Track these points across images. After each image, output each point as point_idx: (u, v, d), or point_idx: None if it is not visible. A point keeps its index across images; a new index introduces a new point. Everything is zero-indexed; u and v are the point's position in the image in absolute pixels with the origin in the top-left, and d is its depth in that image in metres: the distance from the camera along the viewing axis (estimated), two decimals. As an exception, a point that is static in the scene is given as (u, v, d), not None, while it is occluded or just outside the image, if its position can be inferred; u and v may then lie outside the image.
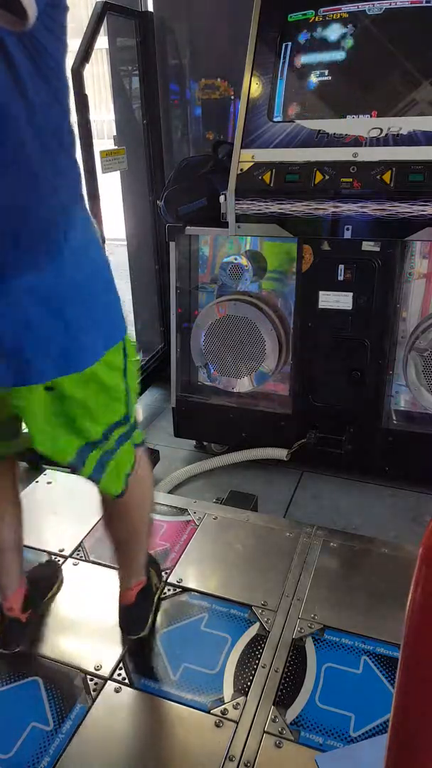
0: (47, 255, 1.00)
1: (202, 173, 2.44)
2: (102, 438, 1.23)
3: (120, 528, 1.47)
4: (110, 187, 3.00)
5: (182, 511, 2.06)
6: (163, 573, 1.78)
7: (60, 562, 1.83)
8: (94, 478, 1.27)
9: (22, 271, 0.99)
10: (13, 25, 0.78)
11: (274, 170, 2.12)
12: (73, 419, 1.17)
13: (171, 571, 1.79)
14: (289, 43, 2.18)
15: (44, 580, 1.72)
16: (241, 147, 2.18)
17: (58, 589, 1.74)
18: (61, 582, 1.76)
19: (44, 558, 1.85)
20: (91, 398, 1.16)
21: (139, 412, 3.15)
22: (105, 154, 2.57)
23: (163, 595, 1.71)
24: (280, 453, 2.51)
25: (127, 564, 1.54)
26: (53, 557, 1.86)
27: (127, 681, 1.46)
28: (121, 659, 1.51)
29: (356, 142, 2.03)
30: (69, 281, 1.04)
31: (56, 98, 0.97)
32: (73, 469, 1.25)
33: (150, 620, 1.59)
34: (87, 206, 1.13)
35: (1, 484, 1.45)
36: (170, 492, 2.44)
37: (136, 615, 1.57)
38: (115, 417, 1.24)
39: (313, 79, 2.15)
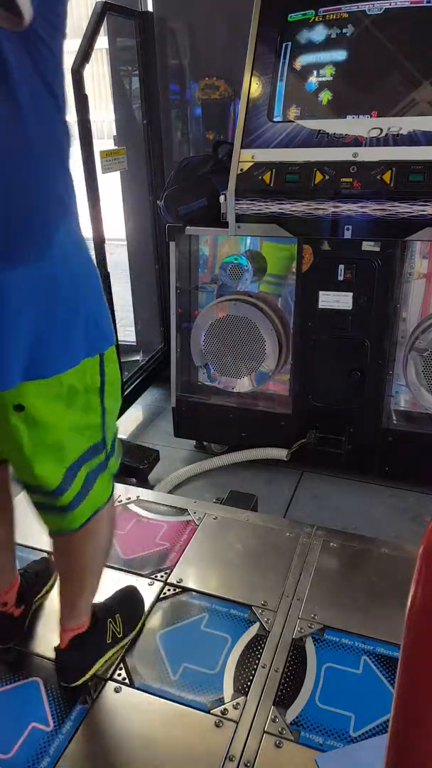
0: (33, 255, 0.96)
1: (202, 173, 2.44)
2: (62, 483, 1.15)
3: (63, 561, 1.36)
4: (110, 187, 3.00)
5: (182, 511, 2.06)
6: (162, 574, 1.77)
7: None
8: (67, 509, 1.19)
9: (6, 269, 0.95)
10: (9, 24, 0.77)
11: (274, 170, 2.12)
12: (44, 445, 1.10)
13: (171, 571, 1.79)
14: (289, 43, 2.18)
15: (38, 575, 1.70)
16: (241, 147, 2.18)
17: (52, 585, 1.73)
18: (55, 578, 1.75)
19: (37, 555, 1.84)
20: (61, 419, 1.09)
21: (140, 413, 3.16)
22: (105, 154, 2.57)
23: (163, 595, 1.71)
24: (280, 453, 2.51)
25: (64, 601, 1.41)
26: (50, 556, 1.85)
27: (127, 681, 1.46)
28: (121, 659, 1.51)
29: (356, 142, 2.03)
30: (51, 283, 1.00)
31: (53, 96, 0.94)
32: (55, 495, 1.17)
33: (89, 673, 1.43)
34: (77, 211, 1.08)
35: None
36: (170, 492, 2.44)
37: (66, 662, 1.43)
38: (86, 443, 1.16)
39: (313, 79, 2.15)
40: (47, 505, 1.21)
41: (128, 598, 1.64)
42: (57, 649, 1.44)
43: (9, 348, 0.98)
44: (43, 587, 1.70)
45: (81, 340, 1.07)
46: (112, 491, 1.29)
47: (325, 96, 2.15)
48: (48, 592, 1.71)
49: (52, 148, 0.97)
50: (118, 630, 1.52)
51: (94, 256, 2.54)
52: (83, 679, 1.43)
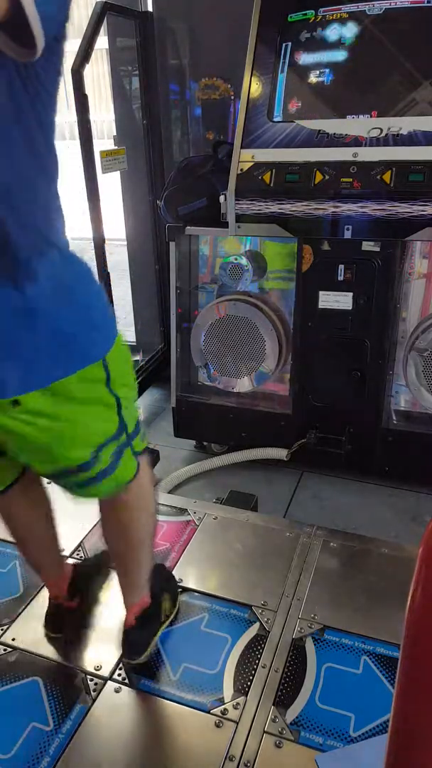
0: (26, 269, 0.98)
1: (202, 173, 2.44)
2: (90, 460, 1.17)
3: (116, 540, 1.43)
4: (110, 187, 3.00)
5: (182, 511, 2.06)
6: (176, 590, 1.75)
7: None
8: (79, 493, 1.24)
9: (4, 284, 0.97)
10: (20, 56, 0.78)
11: (274, 170, 2.12)
12: (48, 443, 1.12)
13: (171, 572, 1.79)
14: (289, 43, 2.18)
15: (94, 568, 1.74)
16: (241, 147, 2.18)
17: (106, 573, 1.75)
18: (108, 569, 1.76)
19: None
20: (68, 417, 1.10)
21: (140, 413, 3.16)
22: (105, 154, 2.57)
23: (163, 595, 1.71)
24: (280, 453, 2.51)
25: (125, 582, 1.49)
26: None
27: (127, 681, 1.47)
28: (121, 659, 1.51)
29: (356, 142, 2.03)
30: (47, 295, 1.01)
31: (42, 131, 0.96)
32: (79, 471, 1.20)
33: (151, 647, 1.52)
34: (64, 226, 1.09)
35: (30, 489, 1.44)
36: (170, 492, 2.44)
37: (133, 639, 1.50)
38: (102, 434, 1.18)
39: (313, 79, 2.15)
40: (78, 481, 1.22)
41: (167, 576, 1.71)
42: (124, 628, 1.50)
43: (4, 359, 1.00)
44: (101, 581, 1.74)
45: (81, 347, 1.08)
46: (138, 468, 1.30)
47: (325, 96, 2.15)
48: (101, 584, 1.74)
49: (39, 181, 0.99)
50: (168, 606, 1.62)
51: (94, 256, 2.55)
52: (146, 653, 1.50)
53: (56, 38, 0.90)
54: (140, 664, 1.50)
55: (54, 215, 1.04)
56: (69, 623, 1.63)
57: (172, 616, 1.63)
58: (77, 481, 1.22)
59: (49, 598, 1.62)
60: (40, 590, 1.72)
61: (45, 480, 1.47)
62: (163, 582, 1.65)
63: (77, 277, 1.09)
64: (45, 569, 1.58)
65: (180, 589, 1.73)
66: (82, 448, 1.16)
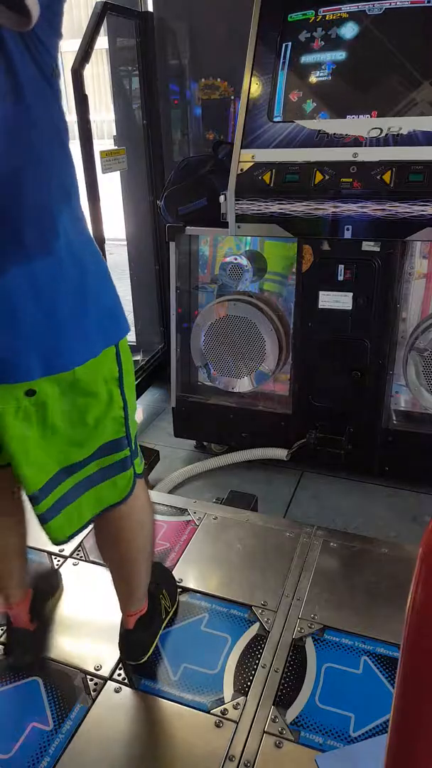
0: (42, 247, 0.97)
1: (202, 173, 2.44)
2: (84, 461, 1.14)
3: (113, 553, 1.40)
4: (110, 187, 3.00)
5: (182, 511, 2.06)
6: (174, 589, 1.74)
7: (60, 562, 1.83)
8: (45, 516, 1.13)
9: (14, 261, 0.95)
10: (16, 25, 0.77)
11: (274, 170, 2.12)
12: (52, 436, 1.08)
13: (171, 571, 1.79)
14: (289, 43, 2.18)
15: (47, 587, 1.70)
16: (241, 147, 2.18)
17: (60, 594, 1.73)
18: (62, 589, 1.75)
19: (44, 558, 1.85)
20: (78, 411, 1.08)
21: (140, 413, 3.16)
22: (105, 154, 2.57)
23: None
24: (280, 453, 2.51)
25: (123, 590, 1.46)
26: (53, 557, 1.86)
27: (127, 681, 1.46)
28: (121, 659, 1.51)
29: (356, 142, 2.03)
30: (63, 274, 1.00)
31: (50, 86, 0.96)
32: (32, 501, 1.12)
33: (153, 647, 1.52)
34: (79, 198, 1.08)
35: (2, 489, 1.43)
36: (170, 492, 2.44)
37: (133, 642, 1.49)
38: (106, 436, 1.15)
39: (313, 79, 2.16)
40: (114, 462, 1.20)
41: (164, 572, 1.71)
42: (123, 630, 1.49)
43: (26, 341, 0.98)
44: (52, 598, 1.70)
45: (96, 330, 1.07)
46: (132, 488, 1.26)
47: (325, 96, 2.15)
48: (57, 601, 1.71)
49: (55, 137, 0.99)
50: (168, 603, 1.62)
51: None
52: (147, 655, 1.50)
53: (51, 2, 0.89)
54: (140, 665, 1.50)
55: (70, 190, 1.03)
56: (68, 623, 1.63)
57: (171, 612, 1.63)
58: (117, 460, 1.19)
59: (9, 625, 1.54)
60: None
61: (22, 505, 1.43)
62: (161, 580, 1.64)
63: (90, 259, 1.07)
64: (10, 594, 1.51)
65: (180, 589, 1.73)
66: (87, 446, 1.13)
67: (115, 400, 1.14)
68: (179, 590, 1.72)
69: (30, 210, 0.95)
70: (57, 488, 1.14)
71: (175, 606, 1.65)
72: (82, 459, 1.15)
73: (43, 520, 1.14)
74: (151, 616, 1.53)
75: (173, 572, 1.78)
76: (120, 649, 1.50)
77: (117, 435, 1.17)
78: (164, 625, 1.59)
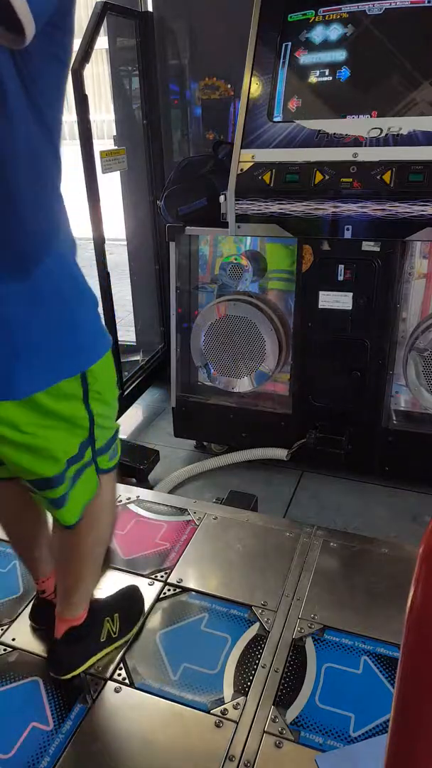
0: (20, 272, 0.97)
1: (202, 173, 2.44)
2: (59, 475, 1.16)
3: (59, 551, 1.39)
4: (110, 187, 3.00)
5: (182, 511, 2.06)
6: (162, 574, 1.77)
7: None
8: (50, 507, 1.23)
9: None
10: (8, 42, 0.74)
11: (274, 170, 2.12)
12: (15, 454, 1.11)
13: (171, 571, 1.79)
14: (289, 43, 2.18)
15: None
16: (241, 147, 2.18)
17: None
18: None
19: None
20: (37, 430, 1.09)
21: (140, 413, 3.16)
22: (105, 154, 2.57)
23: (162, 595, 1.71)
24: (280, 453, 2.51)
25: (61, 591, 1.42)
26: None
27: (127, 681, 1.46)
28: (121, 659, 1.51)
29: (356, 142, 2.03)
30: (38, 302, 1.00)
31: (45, 127, 0.93)
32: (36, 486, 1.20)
33: (81, 668, 1.44)
34: (70, 231, 1.08)
35: (18, 489, 1.44)
36: (170, 492, 2.44)
37: (59, 654, 1.44)
38: (72, 450, 1.16)
39: (313, 79, 2.16)
40: (46, 498, 1.22)
41: (128, 597, 1.64)
42: (52, 640, 1.45)
43: None
44: None
45: (60, 361, 1.07)
46: (97, 487, 1.28)
47: (325, 96, 2.15)
48: None
49: (41, 176, 0.96)
50: (114, 629, 1.52)
51: (94, 256, 2.55)
52: (72, 674, 1.43)
53: (52, 24, 0.85)
54: (141, 664, 1.50)
55: (50, 219, 1.01)
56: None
57: (119, 643, 1.53)
58: (49, 498, 1.21)
59: (36, 592, 1.60)
60: (40, 590, 1.72)
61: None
62: (120, 604, 1.59)
63: (68, 285, 1.07)
64: (36, 565, 1.56)
65: (180, 589, 1.73)
66: (51, 464, 1.14)
67: (79, 415, 1.15)
68: (179, 590, 1.72)
69: (7, 241, 0.94)
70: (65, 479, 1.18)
71: (128, 634, 1.55)
72: (59, 471, 1.17)
73: (56, 505, 1.21)
74: (84, 632, 1.45)
75: (173, 572, 1.78)
76: (47, 658, 1.47)
77: (79, 443, 1.18)
78: (104, 653, 1.50)
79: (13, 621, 1.64)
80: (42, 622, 1.58)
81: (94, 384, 1.14)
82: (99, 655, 1.49)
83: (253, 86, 2.21)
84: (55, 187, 1.01)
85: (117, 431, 1.31)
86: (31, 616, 1.62)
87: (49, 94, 0.92)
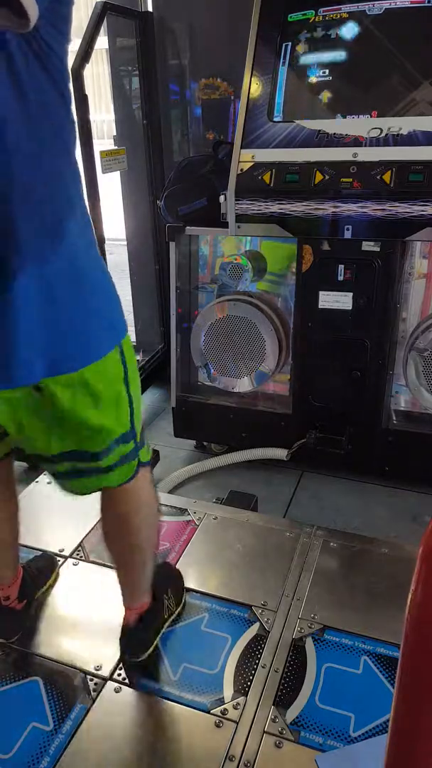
0: (46, 249, 0.98)
1: (202, 173, 2.44)
2: (109, 447, 1.17)
3: (118, 544, 1.41)
4: (110, 187, 3.00)
5: (182, 511, 2.06)
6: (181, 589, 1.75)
7: (60, 562, 1.83)
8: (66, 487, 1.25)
9: (18, 265, 0.96)
10: (14, 26, 0.77)
11: (274, 170, 2.12)
12: (66, 427, 1.12)
13: (176, 569, 1.79)
14: (289, 43, 2.18)
15: (40, 571, 1.72)
16: (241, 147, 2.18)
17: (54, 581, 1.75)
18: (57, 575, 1.76)
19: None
20: (85, 409, 1.10)
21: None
22: (105, 154, 2.57)
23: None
24: (280, 453, 2.51)
25: (126, 583, 1.48)
26: (51, 555, 1.86)
27: (127, 681, 1.46)
28: (122, 659, 1.51)
29: (356, 142, 2.03)
30: (66, 277, 1.02)
31: (61, 95, 0.95)
32: (54, 474, 1.22)
33: (153, 646, 1.53)
34: (85, 205, 1.10)
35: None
36: (170, 492, 2.44)
37: (135, 638, 1.50)
38: (116, 431, 1.17)
39: (313, 79, 2.15)
40: (86, 469, 1.22)
41: (170, 571, 1.71)
42: (124, 626, 1.49)
43: (30, 345, 1.00)
44: (45, 583, 1.72)
45: (99, 333, 1.10)
46: (137, 471, 1.29)
47: (325, 96, 2.15)
48: (50, 587, 1.73)
49: (59, 145, 0.98)
50: (172, 604, 1.62)
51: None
52: (148, 653, 1.50)
53: (56, 2, 0.88)
54: (140, 664, 1.50)
55: (74, 199, 1.04)
56: (68, 623, 1.63)
57: (176, 613, 1.63)
58: (83, 468, 1.21)
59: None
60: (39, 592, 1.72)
61: (17, 484, 1.50)
62: (167, 579, 1.65)
63: (91, 265, 1.09)
64: (2, 571, 1.55)
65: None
66: (109, 432, 1.16)
67: (122, 398, 1.17)
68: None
69: (33, 213, 0.95)
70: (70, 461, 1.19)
71: (180, 607, 1.65)
72: (101, 449, 1.18)
73: (107, 470, 1.22)
74: (154, 613, 1.53)
75: (173, 572, 1.79)
76: (120, 645, 1.50)
77: (124, 429, 1.20)
78: (167, 624, 1.59)
79: (13, 621, 1.64)
80: (11, 634, 1.56)
81: (129, 361, 1.16)
82: (162, 630, 1.57)
83: (253, 86, 2.21)
84: (72, 157, 1.03)
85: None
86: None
87: (59, 62, 0.94)
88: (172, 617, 1.61)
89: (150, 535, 1.43)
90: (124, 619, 1.50)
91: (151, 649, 1.51)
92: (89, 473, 1.22)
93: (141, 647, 1.50)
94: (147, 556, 1.45)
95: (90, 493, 1.29)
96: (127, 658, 1.50)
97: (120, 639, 1.50)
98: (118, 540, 1.41)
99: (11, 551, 1.54)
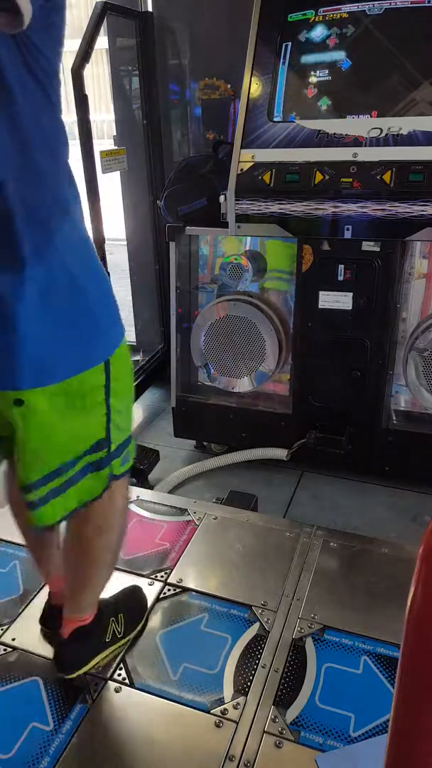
0: (35, 255, 0.97)
1: (202, 173, 2.44)
2: (66, 465, 1.14)
3: (71, 556, 1.37)
4: (110, 187, 3.00)
5: (182, 511, 2.06)
6: (162, 574, 1.77)
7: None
8: (34, 504, 1.15)
9: (6, 271, 0.95)
10: (8, 26, 0.76)
11: (274, 170, 2.12)
12: (38, 443, 1.09)
13: (171, 571, 1.79)
14: (289, 43, 2.18)
15: None
16: (241, 147, 2.18)
17: None
18: None
19: None
20: (61, 420, 1.08)
21: (139, 413, 3.16)
22: (105, 154, 2.57)
23: (162, 595, 1.71)
24: (280, 453, 2.51)
25: (70, 592, 1.42)
26: None
27: (127, 681, 1.46)
28: (121, 659, 1.51)
29: (356, 142, 2.03)
30: (56, 287, 1.00)
31: (48, 98, 0.94)
32: (24, 490, 1.14)
33: (86, 668, 1.44)
34: (81, 210, 1.08)
35: None
36: (170, 492, 2.44)
37: (65, 653, 1.44)
38: (87, 443, 1.15)
39: (313, 79, 2.15)
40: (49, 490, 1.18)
41: (132, 597, 1.64)
42: (58, 639, 1.44)
43: (16, 352, 0.99)
44: None
45: (88, 345, 1.08)
46: (105, 489, 1.24)
47: (324, 96, 2.15)
48: None
49: (48, 148, 0.97)
50: (120, 629, 1.52)
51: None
52: (78, 673, 1.43)
53: (47, 3, 0.87)
54: (141, 664, 1.50)
55: (66, 201, 1.02)
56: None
57: (122, 642, 1.54)
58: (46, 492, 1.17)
59: (49, 595, 1.58)
60: (39, 590, 1.72)
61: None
62: (124, 604, 1.58)
63: (84, 273, 1.07)
64: (47, 566, 1.54)
65: (180, 589, 1.73)
66: (62, 454, 1.13)
67: (98, 406, 1.14)
68: (179, 590, 1.72)
69: (21, 220, 0.94)
70: (52, 481, 1.15)
71: (132, 634, 1.56)
72: (74, 457, 1.15)
73: (31, 506, 1.15)
74: (91, 632, 1.45)
75: (173, 572, 1.78)
76: (53, 656, 1.47)
77: (96, 438, 1.17)
78: (108, 652, 1.50)
79: (13, 621, 1.64)
80: (54, 627, 1.51)
81: (114, 373, 1.13)
82: (103, 654, 1.49)
83: (253, 86, 2.21)
84: (61, 158, 1.01)
85: (131, 436, 1.28)
86: (46, 622, 1.57)
87: (48, 67, 0.93)
88: (121, 643, 1.53)
89: (103, 552, 1.37)
90: (61, 631, 1.44)
91: (82, 670, 1.44)
92: (60, 489, 1.18)
93: (72, 665, 1.43)
94: (94, 573, 1.39)
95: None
96: (57, 673, 1.44)
97: (54, 653, 1.47)
98: (69, 549, 1.37)
99: (57, 551, 1.49)
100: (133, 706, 1.41)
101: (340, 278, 2.19)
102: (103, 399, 1.14)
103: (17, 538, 1.55)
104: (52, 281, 1.00)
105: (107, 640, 1.49)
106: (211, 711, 1.39)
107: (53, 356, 1.03)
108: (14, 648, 1.56)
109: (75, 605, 1.42)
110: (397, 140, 1.98)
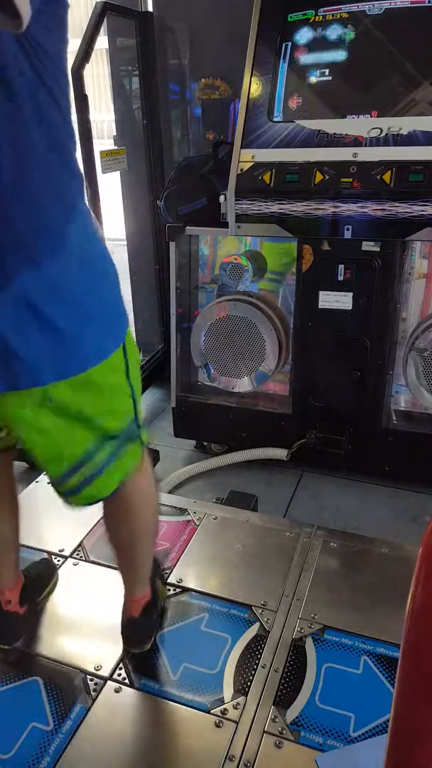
0: (48, 251, 0.98)
1: (202, 173, 2.44)
2: (97, 447, 1.18)
3: (122, 530, 1.41)
4: (110, 187, 3.00)
5: (182, 511, 2.06)
6: (163, 573, 1.78)
7: (60, 562, 1.83)
8: (76, 490, 1.20)
9: (21, 268, 0.96)
10: (7, 27, 0.76)
11: (274, 170, 2.12)
12: (71, 426, 1.12)
13: (171, 571, 1.79)
14: (289, 43, 2.18)
15: (40, 576, 1.72)
16: (241, 147, 2.18)
17: (54, 586, 1.74)
18: (56, 580, 1.76)
19: (44, 556, 1.85)
20: (90, 403, 1.12)
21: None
22: (105, 154, 2.57)
23: (163, 595, 1.71)
24: (280, 453, 2.51)
25: (130, 573, 1.49)
26: (53, 557, 1.86)
27: (127, 681, 1.46)
28: (121, 659, 1.51)
29: (356, 142, 2.03)
30: (70, 278, 1.02)
31: (54, 99, 0.94)
32: (56, 482, 1.20)
33: (155, 634, 1.56)
34: (87, 206, 1.11)
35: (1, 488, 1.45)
36: (170, 492, 2.44)
37: (140, 628, 1.52)
38: (123, 422, 1.19)
39: (313, 79, 2.16)
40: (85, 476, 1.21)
41: (155, 561, 1.69)
42: (127, 617, 1.51)
43: (38, 347, 1.00)
44: (45, 589, 1.71)
45: (107, 331, 1.11)
46: (142, 458, 1.30)
47: (325, 96, 2.15)
48: (50, 593, 1.72)
49: (54, 146, 0.97)
50: (162, 590, 1.66)
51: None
52: (151, 641, 1.53)
53: (47, 1, 0.87)
54: (141, 664, 1.50)
55: (74, 198, 1.04)
56: (68, 623, 1.63)
57: (163, 590, 1.68)
58: (84, 477, 1.20)
59: (0, 606, 1.55)
60: (40, 590, 1.72)
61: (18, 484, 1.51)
62: (156, 569, 1.65)
63: (96, 262, 1.10)
64: (3, 574, 1.54)
65: (180, 589, 1.73)
66: (85, 441, 1.16)
67: (124, 387, 1.19)
68: (179, 590, 1.72)
69: (34, 217, 0.95)
70: (84, 466, 1.18)
71: (163, 589, 1.69)
72: (99, 442, 1.18)
73: (74, 492, 1.20)
74: (154, 603, 1.56)
75: (173, 572, 1.79)
76: (124, 637, 1.51)
77: (130, 413, 1.22)
78: (159, 609, 1.61)
79: (13, 621, 1.63)
80: (12, 640, 1.55)
81: (130, 354, 1.18)
82: (158, 612, 1.60)
83: (253, 86, 2.21)
84: (69, 159, 1.02)
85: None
86: (1, 636, 1.54)
87: (52, 65, 0.93)
88: (162, 598, 1.65)
89: (151, 522, 1.44)
90: (125, 610, 1.51)
91: (153, 638, 1.54)
92: (93, 477, 1.21)
93: (146, 637, 1.52)
94: (148, 546, 1.46)
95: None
96: (131, 649, 1.51)
97: (122, 631, 1.51)
98: (122, 530, 1.40)
99: (12, 553, 1.54)
100: (133, 706, 1.41)
101: (340, 278, 2.19)
102: (125, 379, 1.18)
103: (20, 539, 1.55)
104: (69, 275, 1.02)
105: (160, 603, 1.61)
106: (211, 711, 1.39)
107: (79, 347, 1.06)
108: (14, 648, 1.56)
109: (137, 585, 1.50)
110: (397, 140, 1.98)
